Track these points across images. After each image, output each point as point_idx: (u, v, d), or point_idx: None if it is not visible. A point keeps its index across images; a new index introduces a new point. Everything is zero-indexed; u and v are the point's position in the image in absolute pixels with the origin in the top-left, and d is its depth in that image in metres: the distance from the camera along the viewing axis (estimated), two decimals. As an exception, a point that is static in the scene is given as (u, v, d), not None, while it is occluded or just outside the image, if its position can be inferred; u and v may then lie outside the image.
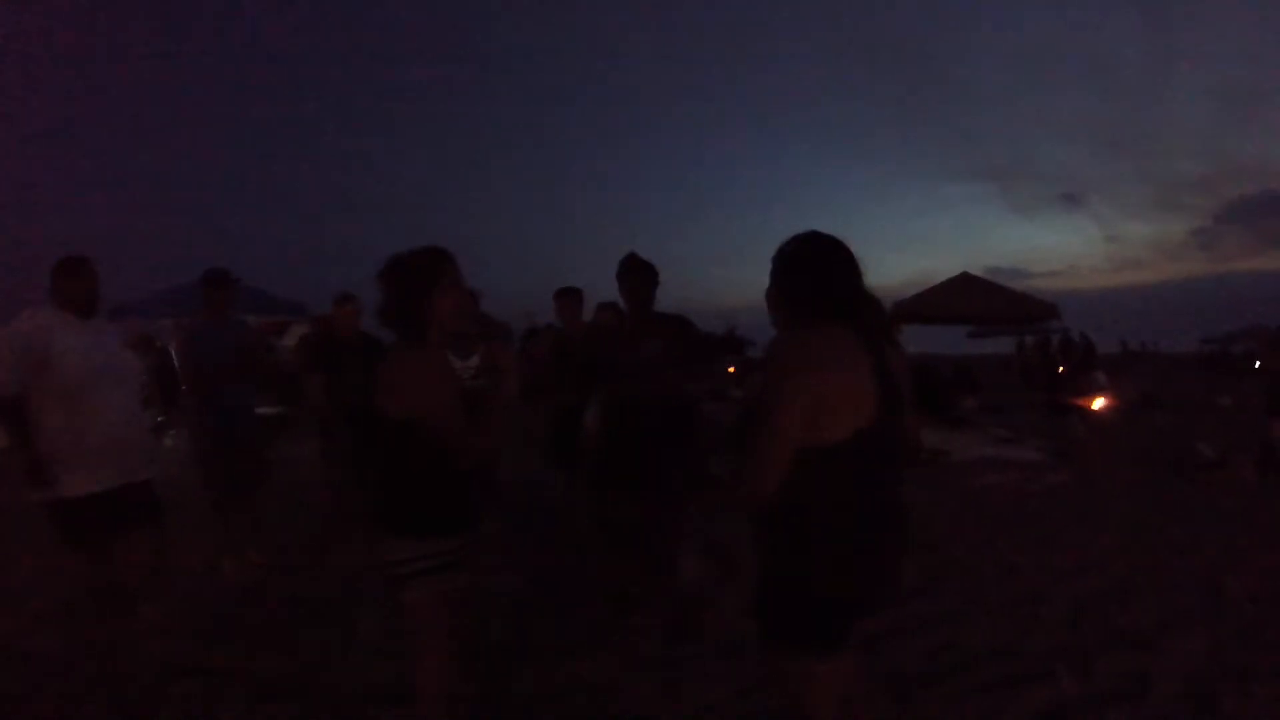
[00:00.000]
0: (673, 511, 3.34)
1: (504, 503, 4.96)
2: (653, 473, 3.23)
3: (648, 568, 3.44)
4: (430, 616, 2.14)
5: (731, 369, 16.42)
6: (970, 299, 12.94)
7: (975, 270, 13.34)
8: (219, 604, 3.80)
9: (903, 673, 3.08)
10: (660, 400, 3.28)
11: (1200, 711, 2.78)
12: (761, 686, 2.89)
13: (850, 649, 1.84)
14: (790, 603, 1.79)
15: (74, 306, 2.84)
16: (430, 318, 2.08)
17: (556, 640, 3.37)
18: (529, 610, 3.72)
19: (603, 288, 4.72)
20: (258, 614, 3.70)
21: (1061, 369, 16.04)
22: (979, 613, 3.71)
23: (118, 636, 2.95)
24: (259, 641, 3.38)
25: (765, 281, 1.92)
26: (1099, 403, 10.63)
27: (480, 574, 2.61)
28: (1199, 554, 4.65)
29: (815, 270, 1.76)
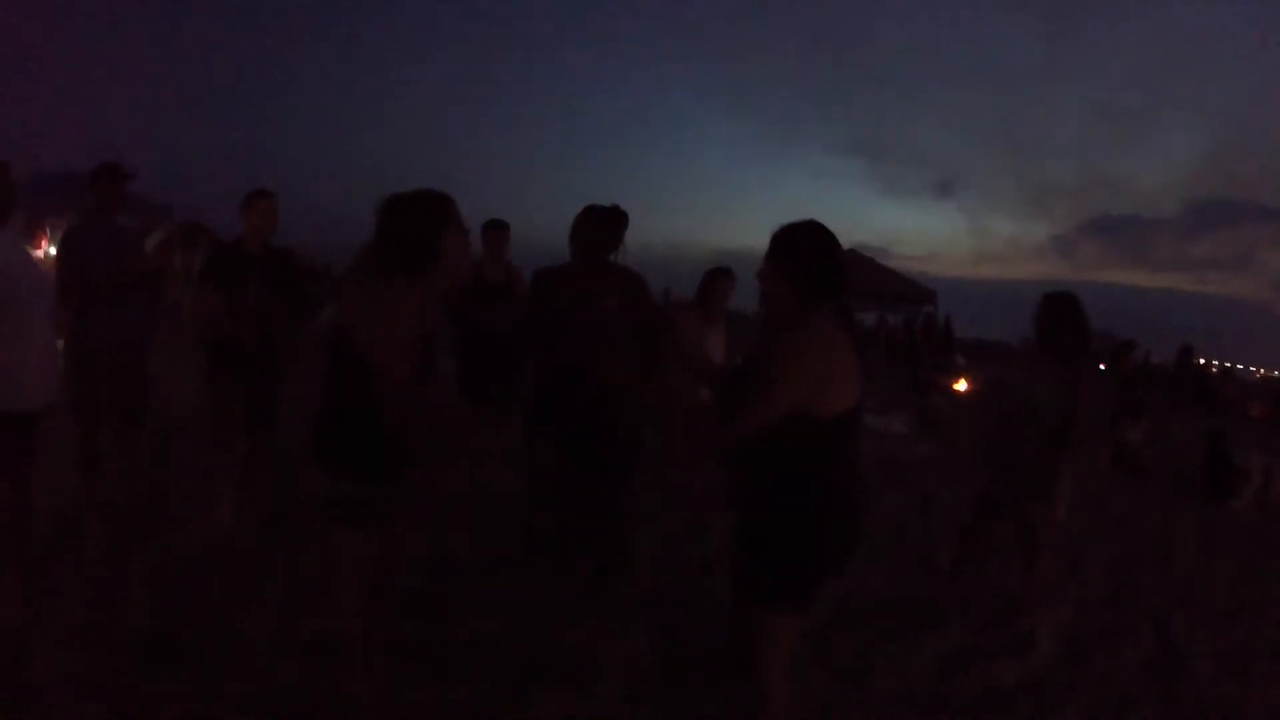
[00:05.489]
0: (607, 473, 3.27)
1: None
2: (591, 436, 3.14)
3: (576, 520, 3.37)
4: (352, 562, 2.13)
5: None
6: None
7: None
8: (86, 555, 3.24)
9: (815, 622, 3.24)
10: (607, 363, 3.13)
11: (1076, 663, 3.12)
12: (686, 635, 2.97)
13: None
14: (784, 562, 1.92)
15: None
16: (439, 258, 2.06)
17: (487, 591, 3.26)
18: (460, 560, 3.56)
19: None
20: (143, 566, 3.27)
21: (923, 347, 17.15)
22: (875, 568, 3.94)
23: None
24: (150, 595, 2.96)
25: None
26: (962, 384, 11.46)
27: (408, 523, 2.57)
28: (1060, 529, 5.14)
29: (830, 259, 1.95)
